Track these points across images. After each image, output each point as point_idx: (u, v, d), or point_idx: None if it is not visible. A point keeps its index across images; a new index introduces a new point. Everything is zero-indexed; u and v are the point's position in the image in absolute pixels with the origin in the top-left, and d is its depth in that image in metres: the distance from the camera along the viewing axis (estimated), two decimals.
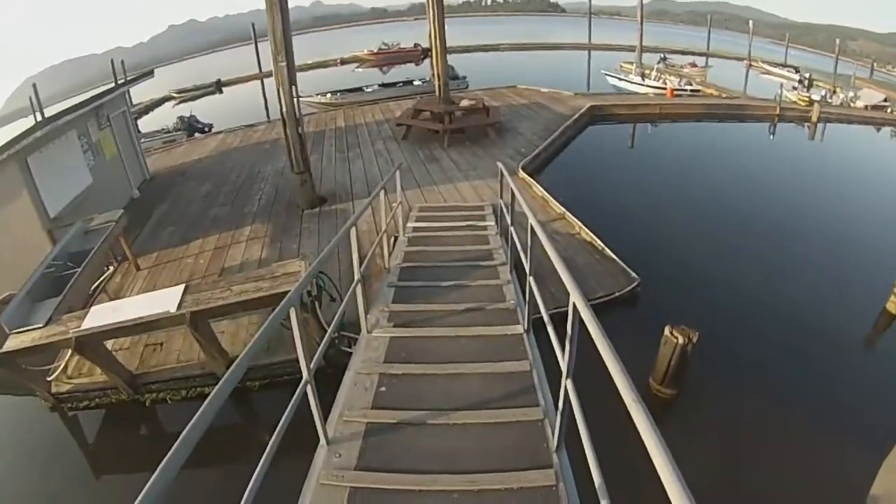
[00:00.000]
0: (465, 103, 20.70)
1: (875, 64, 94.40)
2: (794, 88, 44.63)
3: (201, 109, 34.84)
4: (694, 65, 47.35)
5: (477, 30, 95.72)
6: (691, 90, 33.75)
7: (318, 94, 31.60)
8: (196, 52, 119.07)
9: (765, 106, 32.44)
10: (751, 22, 77.75)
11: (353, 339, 6.99)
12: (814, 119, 33.47)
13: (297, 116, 13.45)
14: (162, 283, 10.79)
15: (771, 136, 29.06)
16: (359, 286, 5.92)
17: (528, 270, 5.59)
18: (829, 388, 8.71)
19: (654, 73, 34.72)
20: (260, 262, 11.38)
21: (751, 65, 66.04)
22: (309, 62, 58.64)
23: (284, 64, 12.85)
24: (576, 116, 22.52)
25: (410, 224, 10.96)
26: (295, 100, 13.28)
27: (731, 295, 11.32)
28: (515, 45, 69.46)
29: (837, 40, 61.39)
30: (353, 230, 5.94)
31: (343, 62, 61.65)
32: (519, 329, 6.13)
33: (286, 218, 13.79)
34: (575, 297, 3.28)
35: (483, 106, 20.80)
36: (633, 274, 10.57)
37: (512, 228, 7.32)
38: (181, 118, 28.14)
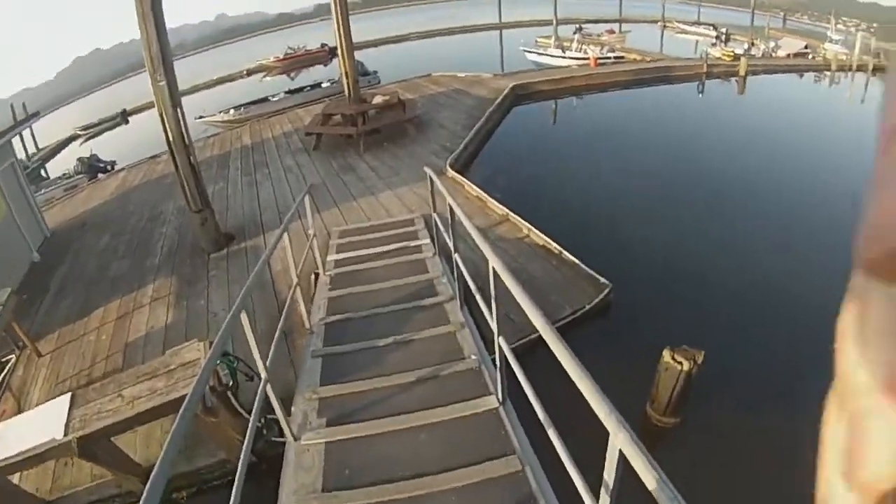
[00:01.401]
0: (377, 100, 18.44)
1: (786, 14, 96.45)
2: (713, 45, 44.59)
3: (108, 144, 32.96)
4: (612, 31, 46.66)
5: (385, 23, 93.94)
6: (615, 57, 32.84)
7: (220, 112, 28.70)
8: (104, 83, 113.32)
9: (691, 65, 31.77)
10: None
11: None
12: (741, 73, 32.98)
13: (187, 143, 10.95)
14: (65, 373, 8.81)
15: (700, 95, 28.56)
16: (269, 385, 4.28)
17: (493, 324, 4.25)
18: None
19: (574, 44, 33.67)
20: (166, 329, 9.30)
21: (665, 26, 66.24)
22: (215, 77, 55.93)
23: (164, 83, 10.36)
24: (499, 99, 20.91)
25: (331, 256, 9.05)
26: (182, 124, 10.83)
27: (709, 286, 10.41)
28: (426, 32, 67.57)
29: None
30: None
31: (250, 72, 58.62)
32: (492, 402, 4.75)
33: (191, 267, 11.42)
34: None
35: (398, 100, 18.76)
36: (602, 279, 9.08)
37: (457, 256, 5.85)
38: (80, 160, 24.68)
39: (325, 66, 53.61)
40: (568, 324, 8.32)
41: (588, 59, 31.42)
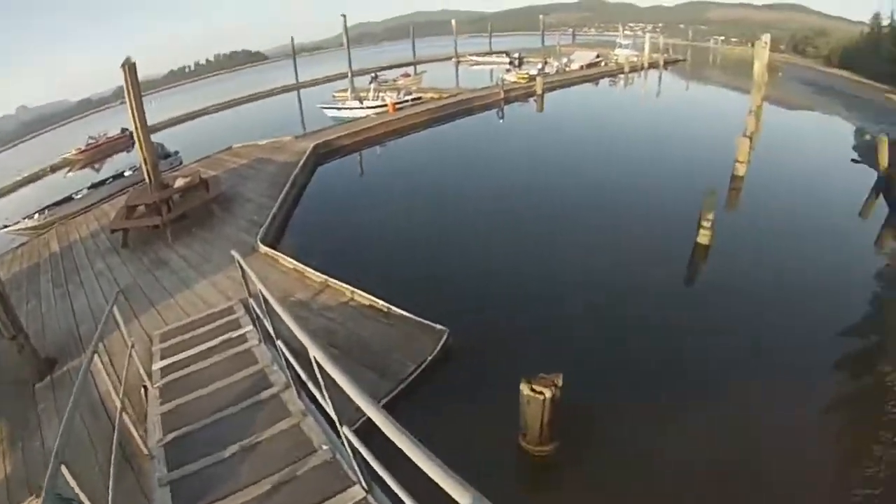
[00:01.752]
0: (179, 183, 17.68)
1: (574, 29, 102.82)
2: (508, 70, 46.63)
3: None
4: (407, 75, 47.59)
5: (183, 99, 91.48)
6: (413, 99, 33.21)
7: (24, 219, 26.41)
8: None
9: (489, 94, 33.03)
10: (453, 21, 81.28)
11: None
12: (539, 91, 34.69)
13: None
14: None
15: (501, 121, 29.67)
16: None
17: (331, 413, 4.05)
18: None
19: (370, 93, 33.97)
20: (7, 481, 7.96)
21: (459, 61, 68.81)
22: (18, 178, 51.99)
23: None
24: (301, 161, 20.70)
25: (157, 364, 8.19)
26: None
27: (548, 306, 10.68)
28: (225, 103, 66.38)
29: (542, 16, 65.28)
30: None
31: (54, 168, 54.86)
32: (358, 492, 4.39)
33: (16, 402, 9.86)
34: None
35: (200, 180, 18.16)
36: (438, 326, 8.99)
37: (280, 343, 5.58)
38: None
39: (128, 152, 50.55)
40: (416, 379, 8.18)
41: (386, 105, 31.70)
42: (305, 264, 11.67)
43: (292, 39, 76.36)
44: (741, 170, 17.68)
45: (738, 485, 6.65)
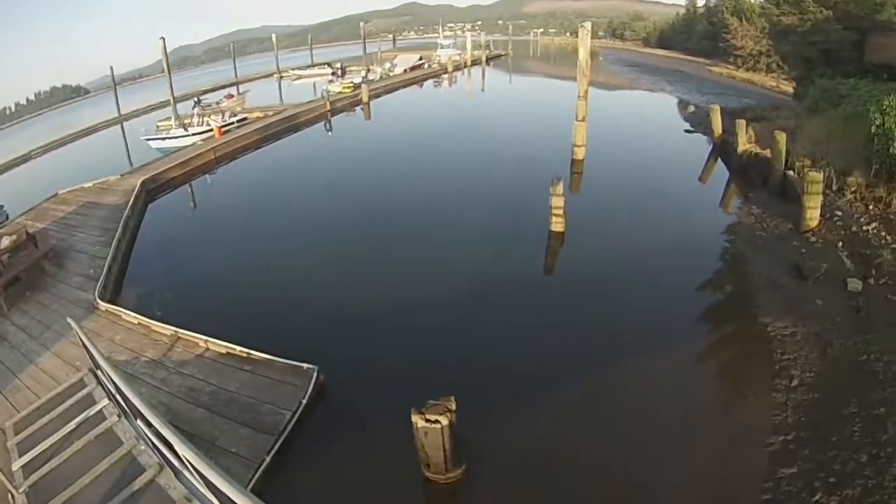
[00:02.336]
0: (4, 242, 16.09)
1: (395, 35, 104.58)
2: (331, 81, 47.14)
3: None
4: (230, 96, 46.74)
5: (5, 144, 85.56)
6: (238, 121, 32.96)
7: None
8: None
9: (314, 107, 33.27)
10: (273, 36, 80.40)
11: None
12: (365, 99, 35.30)
13: None
14: None
15: (329, 133, 30.21)
16: None
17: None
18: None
19: (194, 118, 33.27)
20: None
21: (282, 76, 68.59)
22: None
23: None
24: (131, 201, 19.90)
25: (17, 464, 7.42)
26: None
27: (411, 318, 10.95)
28: (48, 145, 63.01)
29: (362, 24, 66.08)
30: None
31: None
32: None
33: None
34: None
35: (27, 235, 16.75)
36: (305, 365, 8.95)
37: (140, 422, 5.40)
38: None
39: None
40: (296, 426, 8.03)
41: (212, 130, 30.97)
42: (150, 317, 11.20)
43: (111, 69, 73.04)
44: (580, 153, 18.93)
45: (640, 464, 7.07)
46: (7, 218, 26.56)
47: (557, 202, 13.20)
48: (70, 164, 46.22)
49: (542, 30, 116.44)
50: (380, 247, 14.31)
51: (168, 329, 10.69)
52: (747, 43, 43.99)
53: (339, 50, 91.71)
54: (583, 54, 19.89)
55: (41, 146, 61.83)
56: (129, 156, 36.38)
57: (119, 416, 7.42)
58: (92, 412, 7.91)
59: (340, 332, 10.58)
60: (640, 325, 10.08)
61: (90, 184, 24.77)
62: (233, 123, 32.55)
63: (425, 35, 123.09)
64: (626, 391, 8.50)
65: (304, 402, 8.35)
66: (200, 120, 33.02)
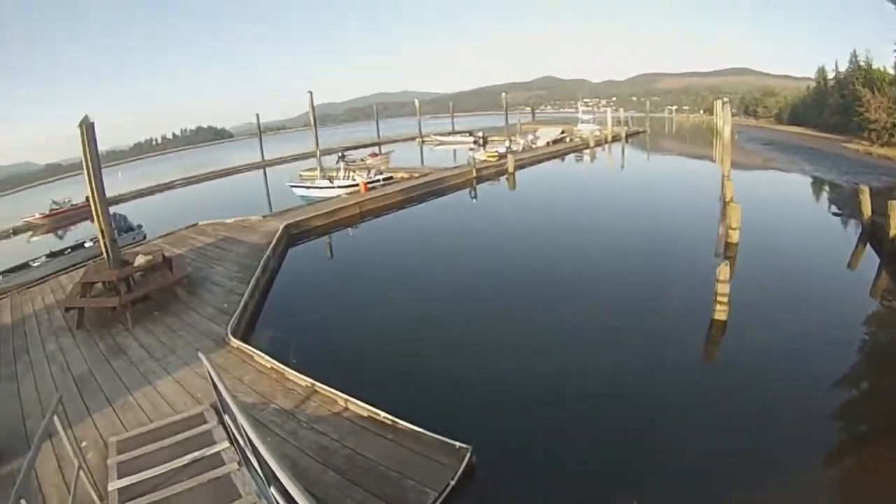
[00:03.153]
0: (140, 260, 15.99)
1: (533, 108, 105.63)
2: (472, 149, 46.71)
3: None
4: (375, 154, 47.25)
5: (149, 170, 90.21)
6: (384, 179, 32.69)
7: None
8: None
9: (460, 173, 32.53)
10: (416, 101, 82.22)
11: None
12: (511, 169, 34.52)
13: None
14: None
15: (474, 200, 29.05)
16: None
17: None
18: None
19: (340, 172, 33.30)
20: None
21: (423, 141, 69.21)
22: None
23: None
24: (273, 243, 19.44)
25: (113, 485, 6.67)
26: None
27: (568, 398, 9.62)
28: (191, 178, 65.26)
29: (504, 94, 66.03)
30: None
31: (16, 231, 52.54)
32: None
33: None
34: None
35: (163, 258, 16.57)
36: (458, 444, 7.46)
37: (264, 478, 4.64)
38: None
39: (93, 221, 48.95)
40: None
41: (357, 185, 31.09)
42: (284, 363, 10.12)
43: (258, 117, 76.47)
44: (734, 236, 17.26)
45: None
46: (144, 238, 26.68)
47: (723, 289, 11.81)
48: (210, 198, 47.50)
49: (675, 106, 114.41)
50: (525, 318, 13.14)
51: (305, 380, 9.54)
52: (881, 115, 40.30)
53: (478, 119, 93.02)
54: (727, 131, 18.34)
55: (184, 178, 64.34)
56: (268, 199, 36.91)
57: (240, 464, 6.56)
58: (209, 452, 7.11)
59: (490, 406, 9.35)
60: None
61: (231, 220, 24.96)
62: (378, 181, 32.38)
63: (561, 109, 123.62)
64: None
65: (453, 483, 6.98)
66: (347, 174, 33.06)
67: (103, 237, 15.25)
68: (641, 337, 11.81)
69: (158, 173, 75.09)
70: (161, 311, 14.54)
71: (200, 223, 25.34)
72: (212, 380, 6.03)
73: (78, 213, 50.44)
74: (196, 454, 7.09)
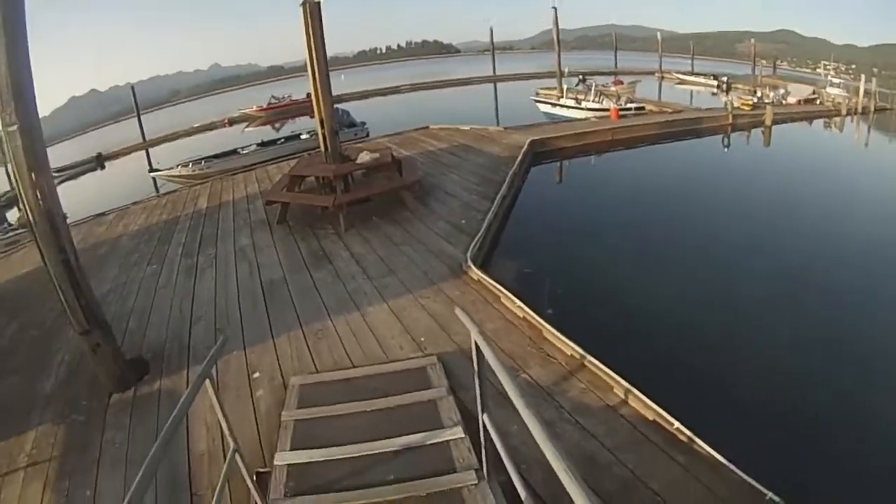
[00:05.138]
0: (364, 157, 13.89)
1: (776, 61, 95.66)
2: (714, 94, 42.64)
3: (79, 190, 32.00)
4: (619, 82, 44.00)
5: (373, 76, 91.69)
6: (636, 108, 30.08)
7: (178, 166, 24.04)
8: (98, 124, 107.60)
9: (716, 116, 28.86)
10: (658, 34, 77.29)
11: None
12: (768, 122, 30.07)
13: (58, 230, 6.39)
14: None
15: (726, 150, 25.80)
16: None
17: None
18: None
19: (590, 94, 30.45)
20: None
21: (664, 77, 64.51)
22: (196, 125, 52.01)
23: (16, 128, 6.09)
24: (519, 157, 16.89)
25: (283, 457, 4.79)
26: (50, 199, 6.22)
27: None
28: (418, 84, 64.34)
29: (752, 41, 59.51)
30: None
31: (232, 122, 54.42)
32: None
33: (85, 415, 6.64)
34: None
35: (392, 158, 14.46)
36: (771, 494, 4.43)
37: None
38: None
39: (312, 117, 49.33)
40: None
41: (608, 110, 28.44)
42: (540, 315, 7.32)
43: (491, 30, 73.99)
44: None
45: None
46: (368, 135, 24.88)
47: None
48: (436, 105, 46.05)
49: None
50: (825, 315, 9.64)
51: (570, 346, 6.64)
52: None
53: (716, 64, 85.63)
54: None
55: (410, 83, 63.50)
56: (496, 113, 34.88)
57: (480, 475, 4.37)
58: (429, 441, 4.96)
59: (811, 444, 6.39)
60: None
61: (467, 127, 22.99)
62: (630, 110, 29.84)
63: (798, 68, 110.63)
64: None
65: None
66: (598, 97, 29.95)
67: (322, 126, 13.35)
68: None
69: (382, 79, 75.51)
70: (382, 217, 12.51)
71: (432, 127, 23.37)
72: (476, 349, 3.46)
73: (298, 108, 50.59)
74: (408, 437, 4.92)
